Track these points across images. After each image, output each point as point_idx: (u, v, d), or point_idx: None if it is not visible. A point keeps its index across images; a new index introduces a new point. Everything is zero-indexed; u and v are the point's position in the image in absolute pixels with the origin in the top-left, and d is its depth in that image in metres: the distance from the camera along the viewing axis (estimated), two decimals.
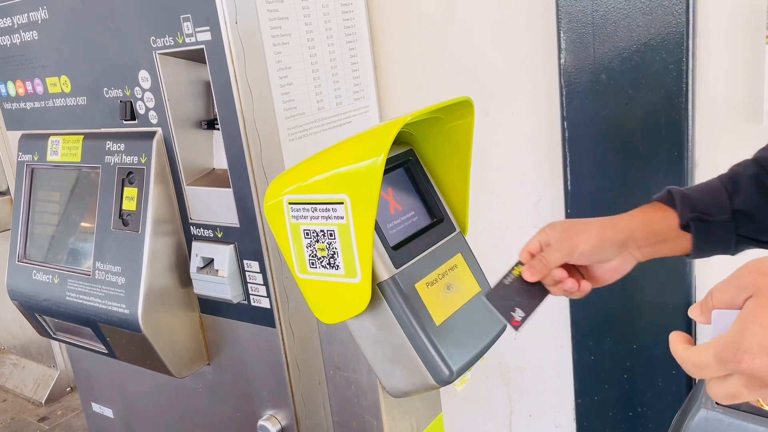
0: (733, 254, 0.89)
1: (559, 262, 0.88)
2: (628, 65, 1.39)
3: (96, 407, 1.96)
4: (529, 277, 0.89)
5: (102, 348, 1.60)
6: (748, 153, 1.36)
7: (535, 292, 0.89)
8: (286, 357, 1.46)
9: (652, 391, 1.58)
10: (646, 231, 0.89)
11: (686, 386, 1.54)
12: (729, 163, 1.38)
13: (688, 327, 1.50)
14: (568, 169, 1.53)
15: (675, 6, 1.32)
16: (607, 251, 0.88)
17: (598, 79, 1.43)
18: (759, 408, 1.18)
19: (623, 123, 1.44)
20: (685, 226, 0.88)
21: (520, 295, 0.88)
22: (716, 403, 1.23)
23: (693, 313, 0.61)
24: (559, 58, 1.47)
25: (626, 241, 0.88)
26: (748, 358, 0.52)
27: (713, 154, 1.41)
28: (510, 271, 0.90)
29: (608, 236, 0.88)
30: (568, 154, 1.52)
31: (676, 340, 0.61)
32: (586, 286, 0.91)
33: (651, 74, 1.37)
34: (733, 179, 0.89)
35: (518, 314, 0.86)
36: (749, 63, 1.32)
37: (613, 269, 0.91)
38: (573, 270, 0.91)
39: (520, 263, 0.91)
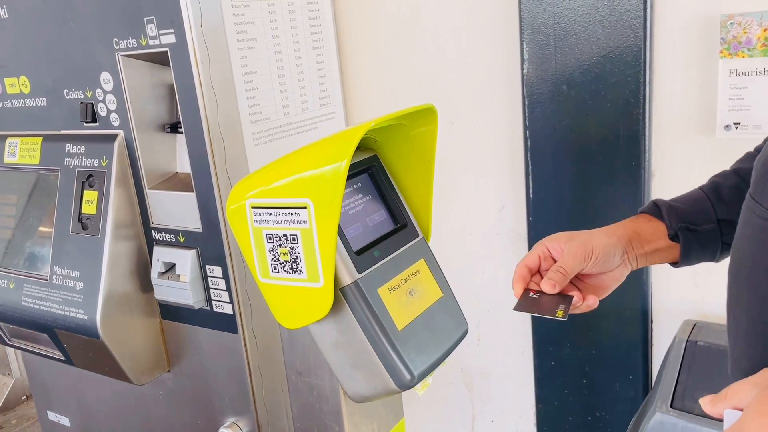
0: (717, 261, 0.92)
1: (578, 268, 0.87)
2: (588, 77, 1.43)
3: (52, 416, 1.91)
4: (551, 288, 0.86)
5: (59, 355, 1.56)
6: (702, 164, 1.41)
7: (558, 298, 0.87)
8: (248, 363, 1.44)
9: (610, 396, 1.62)
10: (640, 240, 0.91)
11: (643, 391, 1.57)
12: (684, 173, 1.43)
13: (645, 333, 1.54)
14: (530, 177, 1.56)
15: (633, 20, 1.36)
16: (614, 257, 0.89)
17: (560, 89, 1.47)
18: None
19: (583, 133, 1.47)
20: (673, 236, 0.90)
21: (549, 302, 0.86)
22: (670, 406, 1.26)
23: (704, 402, 0.61)
24: (522, 69, 1.50)
25: (626, 248, 0.90)
26: None
27: (669, 164, 1.45)
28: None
29: (613, 242, 0.89)
30: (530, 162, 1.54)
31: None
32: (593, 300, 0.89)
33: (610, 86, 1.41)
34: (715, 190, 0.92)
35: (560, 310, 0.85)
36: (703, 76, 1.37)
37: (613, 278, 0.92)
38: (570, 286, 0.90)
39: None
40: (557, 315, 0.83)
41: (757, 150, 0.93)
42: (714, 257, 0.92)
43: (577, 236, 0.90)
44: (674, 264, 0.94)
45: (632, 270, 0.93)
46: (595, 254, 0.87)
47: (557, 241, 0.90)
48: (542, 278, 0.87)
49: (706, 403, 0.61)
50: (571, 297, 0.87)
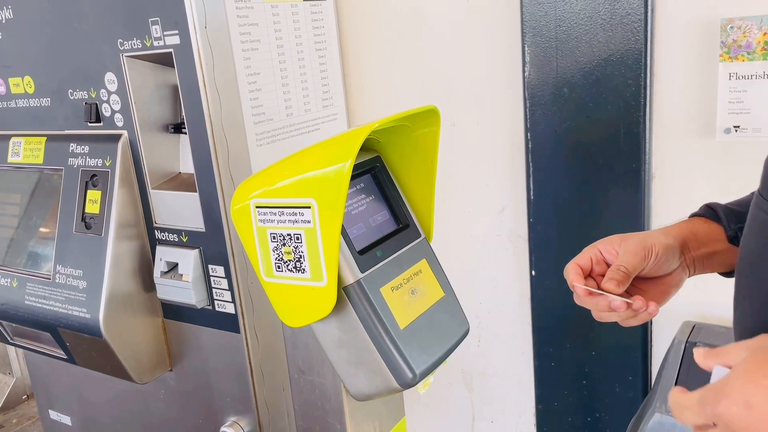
0: None
1: (638, 267, 0.81)
2: (589, 79, 1.44)
3: (54, 415, 1.92)
4: (615, 287, 0.79)
5: (61, 354, 1.57)
6: (702, 166, 1.42)
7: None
8: (250, 363, 1.45)
9: (610, 397, 1.62)
10: (696, 241, 0.86)
11: (642, 392, 1.58)
12: (684, 176, 1.44)
13: (644, 334, 1.55)
14: (531, 178, 1.56)
15: (634, 23, 1.37)
16: (673, 258, 0.84)
17: (561, 92, 1.47)
18: None
19: (584, 135, 1.48)
20: (732, 239, 0.85)
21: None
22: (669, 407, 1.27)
23: (697, 353, 0.61)
24: (524, 71, 1.51)
25: (683, 249, 0.85)
26: (725, 401, 0.53)
27: (669, 167, 1.46)
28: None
29: (670, 242, 0.83)
30: (531, 164, 1.55)
31: (675, 391, 0.62)
32: (654, 308, 0.81)
33: (611, 88, 1.42)
34: None
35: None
36: (703, 80, 1.38)
37: (667, 285, 0.86)
38: (637, 296, 0.83)
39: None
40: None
41: None
42: None
43: (632, 236, 0.84)
44: (725, 275, 0.88)
45: (689, 277, 0.87)
46: (655, 251, 0.81)
47: (610, 243, 0.84)
48: (595, 282, 0.82)
49: (699, 354, 0.60)
50: (632, 302, 0.80)
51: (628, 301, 0.79)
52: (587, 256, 0.84)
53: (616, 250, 0.83)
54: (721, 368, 0.59)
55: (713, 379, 0.59)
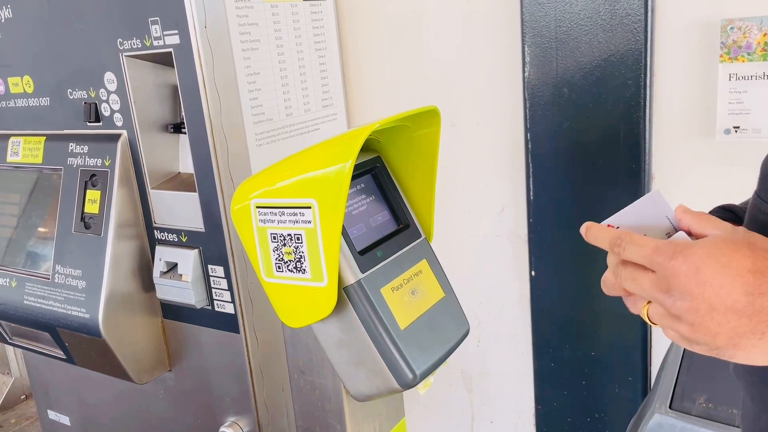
0: None
1: None
2: (589, 80, 1.44)
3: (52, 415, 1.91)
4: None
5: (60, 353, 1.56)
6: (702, 167, 1.42)
7: None
8: (249, 363, 1.45)
9: (609, 398, 1.62)
10: None
11: (642, 392, 1.58)
12: (684, 177, 1.44)
13: (644, 334, 1.55)
14: (531, 179, 1.56)
15: (634, 24, 1.37)
16: None
17: (561, 92, 1.47)
18: (710, 408, 1.22)
19: (584, 135, 1.48)
20: None
21: None
22: (669, 407, 1.27)
23: (678, 209, 0.64)
24: (524, 72, 1.51)
25: None
26: (680, 258, 0.54)
27: (669, 168, 1.46)
28: None
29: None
30: (530, 164, 1.55)
31: (598, 225, 0.65)
32: None
33: (611, 89, 1.42)
34: None
35: None
36: (704, 80, 1.38)
37: None
38: None
39: None
40: None
41: None
42: None
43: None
44: None
45: None
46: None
47: None
48: None
49: (679, 210, 0.64)
50: None
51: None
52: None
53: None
54: (684, 234, 0.62)
55: (675, 238, 0.62)
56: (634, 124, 1.41)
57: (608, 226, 0.65)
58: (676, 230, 0.65)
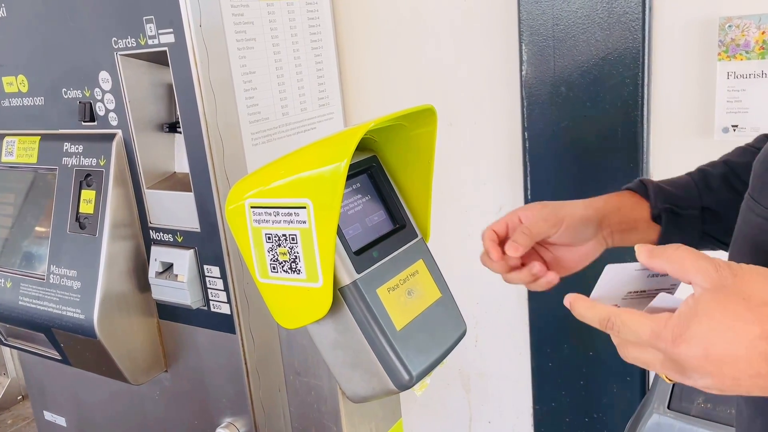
0: (697, 248, 0.91)
1: (545, 233, 0.85)
2: (586, 79, 1.43)
3: (48, 416, 1.90)
4: (513, 251, 0.83)
5: (56, 354, 1.55)
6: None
7: None
8: (245, 364, 1.44)
9: (607, 397, 1.62)
10: (620, 216, 0.88)
11: (640, 392, 1.57)
12: None
13: None
14: (529, 178, 1.56)
15: (632, 22, 1.36)
16: (588, 229, 0.86)
17: (558, 91, 1.47)
18: (708, 408, 1.22)
19: (582, 134, 1.47)
20: (656, 217, 0.88)
21: None
22: (667, 407, 1.26)
23: (640, 252, 0.57)
24: (521, 70, 1.50)
25: (602, 222, 0.87)
26: (684, 347, 0.51)
27: (667, 166, 1.45)
28: None
29: (589, 214, 0.87)
30: (528, 163, 1.55)
31: (583, 299, 0.60)
32: (554, 277, 0.86)
33: (608, 88, 1.41)
34: (703, 178, 0.90)
35: None
36: (702, 79, 1.37)
37: (583, 254, 0.89)
38: (537, 257, 0.88)
39: None
40: None
41: (749, 146, 0.91)
42: (694, 243, 0.90)
43: (551, 204, 0.87)
44: None
45: (607, 248, 0.90)
46: (566, 222, 0.85)
47: (530, 209, 0.88)
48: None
49: (642, 253, 0.57)
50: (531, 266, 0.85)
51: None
52: (504, 222, 0.88)
53: (534, 215, 0.86)
54: (666, 295, 0.57)
55: (658, 302, 0.57)
56: (631, 123, 1.41)
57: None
58: (655, 275, 0.60)
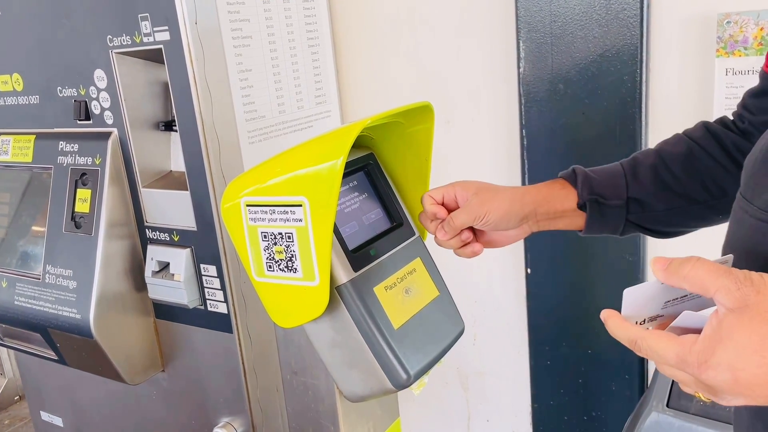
0: (620, 235, 0.96)
1: (468, 223, 0.94)
2: (584, 75, 1.42)
3: (45, 416, 1.90)
4: (442, 236, 0.95)
5: (52, 354, 1.55)
6: None
7: None
8: (243, 363, 1.44)
9: (606, 396, 1.61)
10: (547, 207, 0.94)
11: (639, 390, 1.57)
12: None
13: None
14: (527, 176, 1.55)
15: (630, 19, 1.36)
16: (510, 222, 0.94)
17: (556, 88, 1.46)
18: (707, 407, 1.21)
19: (579, 131, 1.47)
20: (581, 206, 0.93)
21: None
22: (666, 405, 1.26)
23: (657, 264, 0.56)
24: (518, 68, 1.49)
25: (528, 215, 0.94)
26: (712, 372, 0.51)
27: None
28: None
29: (515, 209, 0.93)
30: (526, 161, 1.54)
31: (616, 317, 0.59)
32: (479, 248, 0.97)
33: (606, 85, 1.41)
34: (633, 167, 0.94)
35: None
36: (700, 75, 1.37)
37: (508, 237, 0.98)
38: (469, 230, 0.97)
39: None
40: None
41: (686, 134, 0.94)
42: (617, 232, 0.95)
43: (482, 193, 0.93)
44: (579, 231, 0.97)
45: (534, 232, 0.97)
46: (488, 216, 0.92)
47: (465, 191, 0.94)
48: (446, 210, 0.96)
49: (659, 268, 0.55)
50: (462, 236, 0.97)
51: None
52: (441, 193, 0.96)
53: (466, 198, 0.94)
54: (691, 314, 0.56)
55: (682, 322, 0.56)
56: (629, 120, 1.40)
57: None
58: (674, 298, 0.59)
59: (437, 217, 0.95)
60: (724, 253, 0.69)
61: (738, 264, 0.63)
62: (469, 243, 0.97)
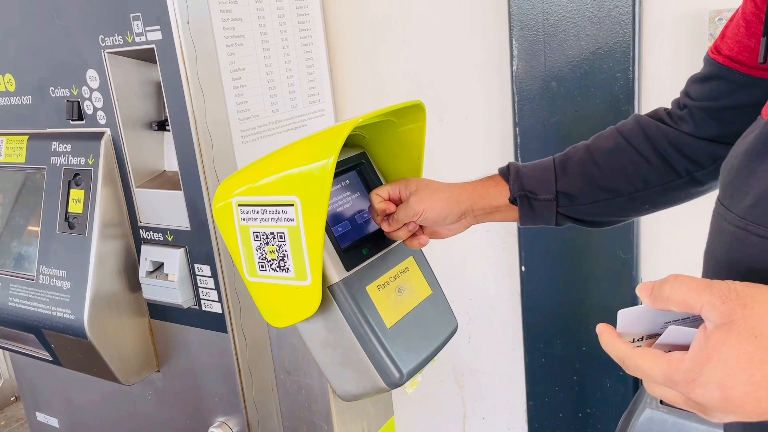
0: (557, 226, 1.00)
1: (406, 220, 0.98)
2: (577, 73, 1.42)
3: (41, 417, 1.89)
4: (387, 228, 1.01)
5: (47, 355, 1.54)
6: None
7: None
8: (237, 363, 1.44)
9: (601, 393, 1.62)
10: (483, 203, 1.00)
11: (633, 387, 1.57)
12: None
13: None
14: None
15: (622, 16, 1.36)
16: (447, 218, 0.99)
17: (549, 86, 1.46)
18: None
19: (573, 129, 1.47)
20: (513, 201, 0.99)
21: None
22: (660, 402, 1.26)
23: (642, 292, 0.56)
24: (511, 65, 1.50)
25: (466, 211, 1.00)
26: (700, 391, 0.50)
27: None
28: None
29: (452, 207, 0.98)
30: (519, 159, 1.54)
31: (609, 333, 0.60)
32: (425, 240, 1.02)
33: (599, 82, 1.41)
34: (563, 162, 0.98)
35: None
36: (692, 72, 1.37)
37: (451, 229, 1.04)
38: (414, 222, 1.02)
39: None
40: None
41: (618, 128, 0.97)
42: (551, 224, 1.00)
43: (421, 192, 0.98)
44: (518, 223, 1.02)
45: (473, 225, 1.04)
46: (424, 215, 0.97)
47: (407, 188, 0.99)
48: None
49: (645, 294, 0.55)
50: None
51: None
52: (387, 190, 1.00)
53: (408, 194, 0.99)
54: (676, 328, 0.55)
55: (669, 338, 0.55)
56: (622, 117, 1.39)
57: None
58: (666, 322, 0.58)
59: (387, 213, 1.00)
60: (705, 262, 0.68)
61: (719, 273, 0.63)
62: (416, 235, 1.02)
